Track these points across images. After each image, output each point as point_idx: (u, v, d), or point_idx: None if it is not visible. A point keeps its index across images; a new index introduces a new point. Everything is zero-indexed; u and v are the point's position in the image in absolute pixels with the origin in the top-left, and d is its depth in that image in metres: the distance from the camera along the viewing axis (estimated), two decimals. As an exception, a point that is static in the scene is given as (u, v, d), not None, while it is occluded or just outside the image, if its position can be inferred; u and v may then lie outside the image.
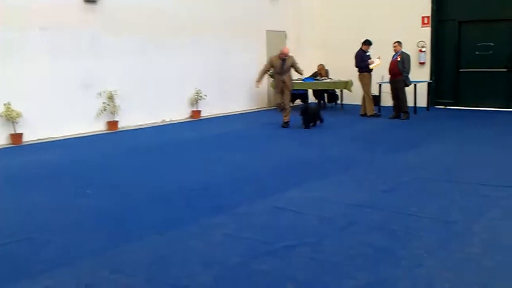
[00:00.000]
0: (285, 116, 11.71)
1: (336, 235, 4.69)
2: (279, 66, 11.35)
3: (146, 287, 3.76)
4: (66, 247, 4.60)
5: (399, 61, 12.19)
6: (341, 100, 15.23)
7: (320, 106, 11.45)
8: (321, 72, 15.38)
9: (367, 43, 12.94)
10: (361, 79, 13.02)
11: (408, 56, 12.38)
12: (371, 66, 12.75)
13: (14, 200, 6.23)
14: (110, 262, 4.23)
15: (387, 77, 12.72)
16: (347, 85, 14.06)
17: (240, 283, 3.74)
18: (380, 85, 13.53)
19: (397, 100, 12.43)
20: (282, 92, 11.58)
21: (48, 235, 4.89)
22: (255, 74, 15.44)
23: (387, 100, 13.64)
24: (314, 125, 11.39)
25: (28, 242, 4.73)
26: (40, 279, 3.91)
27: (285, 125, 11.68)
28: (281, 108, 11.69)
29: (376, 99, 13.61)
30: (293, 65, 11.44)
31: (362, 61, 12.82)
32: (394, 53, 12.35)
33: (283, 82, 11.46)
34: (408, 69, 12.32)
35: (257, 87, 11.99)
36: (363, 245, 4.44)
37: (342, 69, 14.57)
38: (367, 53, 12.89)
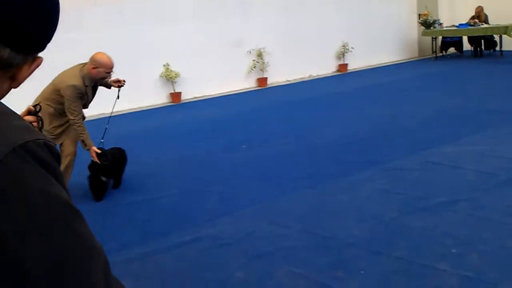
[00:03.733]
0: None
1: (497, 191, 4.44)
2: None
3: (301, 238, 3.91)
4: (225, 198, 4.91)
5: None
6: (500, 47, 14.03)
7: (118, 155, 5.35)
8: (480, 15, 14.22)
9: None
10: None
11: None
12: None
13: (176, 153, 6.74)
14: (266, 213, 4.45)
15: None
16: (507, 30, 12.90)
17: (396, 238, 3.72)
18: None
19: None
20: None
21: (208, 187, 5.25)
22: (404, 23, 14.94)
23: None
24: (102, 193, 5.15)
25: (190, 194, 5.13)
26: (204, 227, 4.24)
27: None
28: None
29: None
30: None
31: None
32: None
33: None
34: None
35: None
36: (527, 202, 4.17)
37: (503, 12, 13.37)
38: None
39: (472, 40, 14.70)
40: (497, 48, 14.23)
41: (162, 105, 10.67)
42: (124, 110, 10.15)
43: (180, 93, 10.86)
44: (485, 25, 13.81)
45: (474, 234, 3.66)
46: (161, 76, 10.67)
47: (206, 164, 6.13)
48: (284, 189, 4.99)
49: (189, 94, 11.11)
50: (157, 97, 10.76)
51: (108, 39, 9.94)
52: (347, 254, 3.56)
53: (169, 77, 10.64)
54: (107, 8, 9.95)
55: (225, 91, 11.58)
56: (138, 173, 5.99)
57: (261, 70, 12.01)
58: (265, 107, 9.67)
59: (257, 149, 6.61)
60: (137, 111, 10.17)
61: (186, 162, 6.28)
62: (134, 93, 10.32)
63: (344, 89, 10.87)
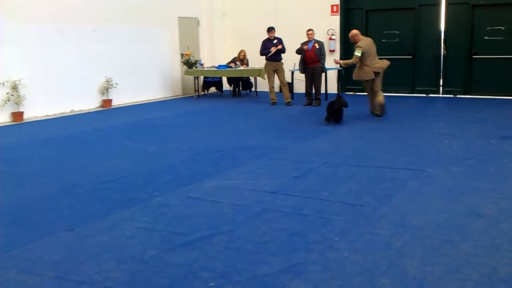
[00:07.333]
0: None
1: (251, 223, 4.73)
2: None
3: (54, 285, 3.62)
4: (-33, 248, 4.33)
5: (317, 48, 12.37)
6: (256, 88, 15.33)
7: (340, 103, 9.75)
8: (242, 58, 15.31)
9: (269, 30, 13.03)
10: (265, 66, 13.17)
11: (322, 43, 12.66)
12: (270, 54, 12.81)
13: None
14: (16, 261, 4.03)
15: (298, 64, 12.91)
16: (260, 72, 14.15)
17: (156, 277, 3.68)
18: (292, 72, 13.74)
19: (313, 87, 12.65)
20: None
21: None
22: (167, 62, 15.34)
23: (300, 88, 13.88)
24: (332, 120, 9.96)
25: None
26: None
27: None
28: None
29: (290, 86, 13.82)
30: None
31: (265, 49, 12.92)
32: (308, 40, 12.44)
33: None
34: (325, 56, 12.63)
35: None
36: (276, 231, 4.51)
37: (257, 58, 14.60)
38: (274, 41, 12.92)
39: (231, 80, 15.79)
40: (253, 89, 15.51)
41: None
42: None
43: None
44: (242, 67, 14.96)
45: (230, 266, 3.81)
46: None
47: None
48: (38, 234, 4.60)
49: None
50: None
51: None
52: (105, 299, 3.39)
53: None
54: None
55: (-27, 127, 10.42)
56: None
57: (16, 103, 11.10)
58: (20, 144, 8.92)
59: (7, 191, 6.02)
60: None
61: None
62: None
63: (108, 125, 10.64)
